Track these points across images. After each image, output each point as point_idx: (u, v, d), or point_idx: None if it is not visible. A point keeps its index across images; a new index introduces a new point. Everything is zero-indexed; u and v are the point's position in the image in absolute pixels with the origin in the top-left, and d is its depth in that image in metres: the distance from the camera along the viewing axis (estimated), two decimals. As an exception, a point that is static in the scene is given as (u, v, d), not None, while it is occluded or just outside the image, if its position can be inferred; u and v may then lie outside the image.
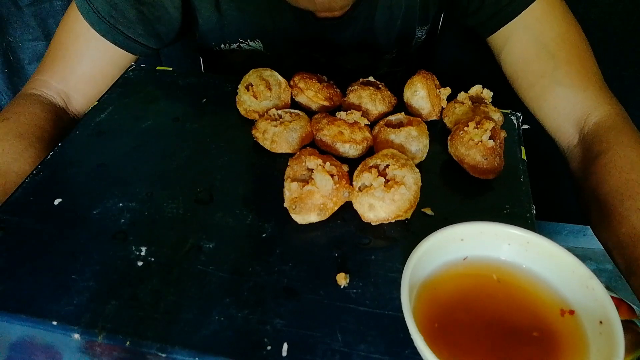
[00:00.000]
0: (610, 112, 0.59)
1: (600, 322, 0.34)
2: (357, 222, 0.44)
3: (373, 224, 0.44)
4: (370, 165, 0.45)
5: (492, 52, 0.69)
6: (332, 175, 0.43)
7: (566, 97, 0.60)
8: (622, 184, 0.51)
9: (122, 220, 0.44)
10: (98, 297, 0.38)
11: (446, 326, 0.35)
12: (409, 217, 0.44)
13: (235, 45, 0.73)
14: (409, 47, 0.76)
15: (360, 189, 0.44)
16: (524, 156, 0.55)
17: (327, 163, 0.44)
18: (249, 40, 0.72)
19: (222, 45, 0.74)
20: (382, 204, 0.42)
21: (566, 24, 0.63)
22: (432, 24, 0.77)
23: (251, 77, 0.57)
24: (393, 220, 0.44)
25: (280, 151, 0.52)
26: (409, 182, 0.43)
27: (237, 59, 0.75)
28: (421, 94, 0.57)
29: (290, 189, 0.43)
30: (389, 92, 0.59)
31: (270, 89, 0.56)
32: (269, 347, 0.35)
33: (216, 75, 0.64)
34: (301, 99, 0.58)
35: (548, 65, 0.61)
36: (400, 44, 0.75)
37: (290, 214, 0.44)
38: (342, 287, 0.40)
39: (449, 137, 0.53)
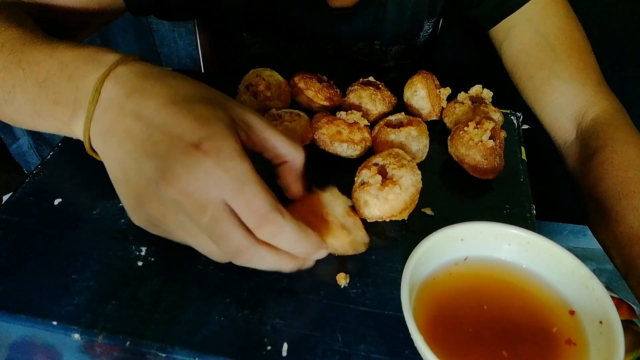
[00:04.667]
0: (609, 107, 0.59)
1: (600, 322, 0.34)
2: (357, 222, 0.44)
3: (368, 220, 0.44)
4: (373, 162, 0.45)
5: (494, 46, 0.69)
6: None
7: (564, 91, 0.60)
8: (618, 183, 0.51)
9: (122, 220, 0.44)
10: (98, 297, 0.38)
11: (446, 326, 0.35)
12: (405, 218, 0.44)
13: (245, 34, 0.73)
14: (417, 39, 0.77)
15: (360, 185, 0.44)
16: (524, 156, 0.55)
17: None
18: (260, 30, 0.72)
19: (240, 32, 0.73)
20: (376, 201, 0.43)
21: (567, 19, 0.63)
22: (437, 19, 0.78)
23: (251, 77, 0.57)
24: (387, 220, 0.44)
25: (280, 151, 0.52)
26: (406, 184, 0.43)
27: (242, 44, 0.75)
28: (421, 94, 0.57)
29: None
30: (389, 92, 0.59)
31: (270, 89, 0.56)
32: (269, 347, 0.35)
33: (216, 75, 0.64)
34: (301, 99, 0.58)
35: (548, 57, 0.61)
36: (409, 36, 0.75)
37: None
38: (342, 287, 0.40)
39: (449, 137, 0.53)
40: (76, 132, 0.37)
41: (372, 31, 0.71)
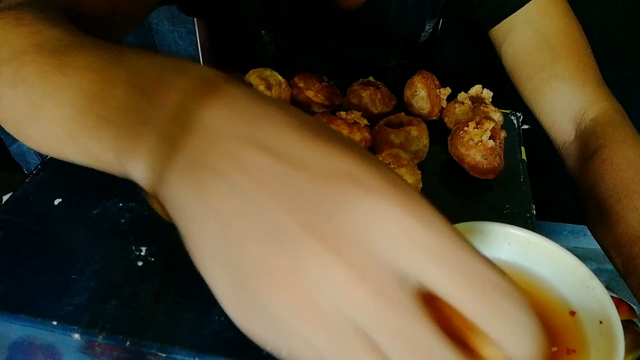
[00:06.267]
0: (608, 108, 0.59)
1: (600, 322, 0.34)
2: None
3: None
4: None
5: (494, 46, 0.69)
6: None
7: (564, 91, 0.60)
8: (618, 183, 0.51)
9: (122, 220, 0.44)
10: (98, 297, 0.38)
11: (446, 326, 0.35)
12: None
13: (263, 32, 0.73)
14: (418, 40, 0.77)
15: None
16: (524, 156, 0.55)
17: None
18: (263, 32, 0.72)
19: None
20: None
21: (567, 20, 0.63)
22: (437, 19, 0.78)
23: (251, 77, 0.57)
24: None
25: (280, 151, 0.52)
26: None
27: (257, 43, 0.75)
28: (421, 94, 0.57)
29: None
30: (389, 92, 0.59)
31: (270, 89, 0.56)
32: (269, 347, 0.35)
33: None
34: (301, 99, 0.58)
35: (547, 58, 0.62)
36: (411, 37, 0.75)
37: None
38: (342, 287, 0.40)
39: (449, 137, 0.53)
40: (131, 166, 0.24)
41: (376, 32, 0.72)
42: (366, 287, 0.18)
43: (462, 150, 0.50)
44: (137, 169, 0.24)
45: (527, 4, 0.63)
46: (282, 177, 0.20)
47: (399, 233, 0.18)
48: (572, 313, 0.36)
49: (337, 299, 0.18)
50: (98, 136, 0.26)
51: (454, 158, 0.52)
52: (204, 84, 0.23)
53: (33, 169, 0.49)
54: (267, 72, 0.57)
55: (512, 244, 0.39)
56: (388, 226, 0.18)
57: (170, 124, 0.22)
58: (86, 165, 0.31)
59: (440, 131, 0.57)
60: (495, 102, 0.58)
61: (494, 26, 0.67)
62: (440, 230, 0.19)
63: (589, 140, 0.57)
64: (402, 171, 0.43)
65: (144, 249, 0.41)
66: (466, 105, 0.56)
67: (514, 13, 0.64)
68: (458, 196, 0.50)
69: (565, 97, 0.60)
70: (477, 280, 0.18)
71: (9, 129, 0.36)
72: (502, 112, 0.57)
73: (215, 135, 0.21)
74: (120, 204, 0.45)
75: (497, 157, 0.50)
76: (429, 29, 0.77)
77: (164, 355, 0.35)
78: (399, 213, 0.18)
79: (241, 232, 0.20)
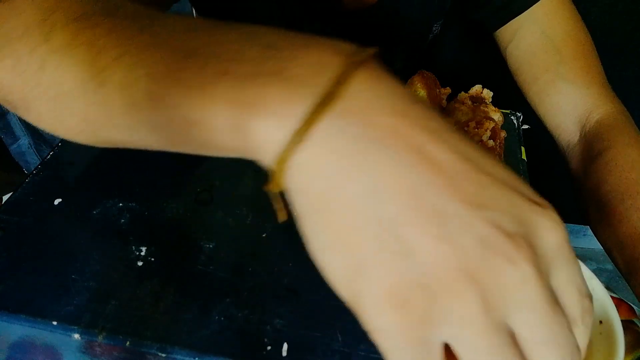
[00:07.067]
0: (613, 110, 0.59)
1: (600, 322, 0.34)
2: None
3: None
4: None
5: (499, 47, 0.69)
6: None
7: (569, 93, 0.60)
8: (622, 183, 0.51)
9: (122, 220, 0.44)
10: (98, 297, 0.38)
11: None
12: None
13: None
14: (425, 41, 0.77)
15: None
16: (524, 156, 0.55)
17: None
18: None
19: None
20: None
21: (573, 22, 0.63)
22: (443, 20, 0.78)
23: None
24: None
25: (280, 151, 0.52)
26: None
27: None
28: (421, 94, 0.57)
29: None
30: (389, 92, 0.59)
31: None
32: (269, 347, 0.35)
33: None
34: (301, 99, 0.58)
35: (553, 59, 0.62)
36: (418, 39, 0.75)
37: None
38: (342, 287, 0.40)
39: (449, 137, 0.53)
40: (258, 125, 0.20)
41: (383, 34, 0.71)
42: (543, 295, 0.19)
43: (462, 150, 0.50)
44: (267, 128, 0.20)
45: (534, 5, 0.63)
46: (460, 167, 0.19)
47: (561, 250, 0.20)
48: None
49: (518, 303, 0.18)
50: (212, 92, 0.21)
51: (454, 158, 0.52)
52: (351, 53, 0.21)
53: (33, 169, 0.49)
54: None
55: (512, 244, 0.39)
56: (560, 242, 0.20)
57: (315, 82, 0.20)
58: (145, 144, 0.26)
59: (440, 131, 0.57)
60: (495, 102, 0.58)
61: (500, 27, 0.67)
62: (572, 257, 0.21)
63: (593, 142, 0.57)
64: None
65: (144, 249, 0.41)
66: (466, 105, 0.56)
67: (521, 14, 0.64)
68: (458, 196, 0.50)
69: (570, 99, 0.60)
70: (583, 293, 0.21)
71: (41, 107, 0.29)
72: (502, 112, 0.57)
73: (373, 106, 0.20)
74: (120, 204, 0.45)
75: (497, 157, 0.50)
76: (436, 30, 0.77)
77: (164, 355, 0.35)
78: (562, 228, 0.20)
79: (418, 219, 0.18)
